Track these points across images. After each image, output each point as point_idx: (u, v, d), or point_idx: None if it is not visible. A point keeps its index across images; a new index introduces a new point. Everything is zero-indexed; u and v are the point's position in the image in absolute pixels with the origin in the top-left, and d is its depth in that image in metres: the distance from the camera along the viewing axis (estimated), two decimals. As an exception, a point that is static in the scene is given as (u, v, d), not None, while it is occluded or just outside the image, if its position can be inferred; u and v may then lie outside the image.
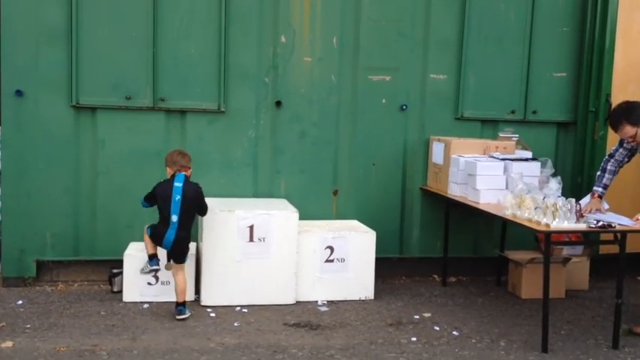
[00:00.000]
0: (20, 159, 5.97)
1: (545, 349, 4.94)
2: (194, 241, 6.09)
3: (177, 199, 5.29)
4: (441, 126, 6.72)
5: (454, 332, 5.31)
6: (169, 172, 5.45)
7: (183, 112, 6.23)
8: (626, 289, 5.62)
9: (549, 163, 6.24)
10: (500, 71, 6.81)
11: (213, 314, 5.52)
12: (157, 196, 5.37)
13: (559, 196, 5.03)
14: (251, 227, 5.70)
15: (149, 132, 6.16)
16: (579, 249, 6.53)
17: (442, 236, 6.64)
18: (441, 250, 6.68)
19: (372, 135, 6.60)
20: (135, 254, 5.74)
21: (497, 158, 6.04)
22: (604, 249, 6.36)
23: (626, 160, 5.62)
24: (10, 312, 5.41)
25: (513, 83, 6.85)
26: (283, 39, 6.36)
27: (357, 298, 6.02)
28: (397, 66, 6.60)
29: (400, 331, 5.32)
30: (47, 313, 5.42)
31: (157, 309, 5.58)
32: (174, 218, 5.29)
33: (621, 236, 4.98)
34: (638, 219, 5.06)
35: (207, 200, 5.54)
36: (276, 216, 5.76)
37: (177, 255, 5.42)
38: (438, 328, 5.39)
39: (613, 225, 4.93)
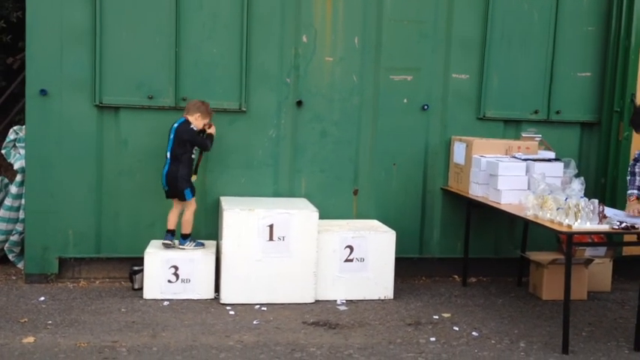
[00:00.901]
0: (44, 158, 6.05)
1: (565, 350, 4.89)
2: (214, 239, 6.15)
3: (170, 137, 5.83)
4: (462, 126, 6.68)
5: (473, 333, 5.28)
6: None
7: (204, 112, 6.28)
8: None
9: (573, 163, 6.19)
10: (524, 71, 6.75)
11: (232, 312, 5.55)
12: None
13: (582, 197, 4.97)
14: (271, 226, 5.71)
15: (171, 131, 6.22)
16: (602, 250, 6.46)
17: (463, 237, 6.59)
18: (462, 251, 6.63)
19: (393, 135, 6.58)
20: (156, 252, 5.80)
21: (520, 158, 5.99)
22: (627, 250, 6.30)
23: None
24: (32, 308, 5.49)
25: (537, 83, 6.79)
26: (305, 39, 6.37)
27: (377, 298, 6.01)
28: (419, 66, 6.57)
29: (419, 331, 5.30)
30: (69, 309, 5.48)
31: (176, 306, 5.62)
32: (168, 155, 5.83)
33: (644, 238, 4.93)
34: (662, 221, 5.01)
35: (228, 199, 5.55)
36: (296, 215, 5.77)
37: (175, 192, 5.82)
38: (457, 329, 5.36)
39: (637, 226, 4.87)
